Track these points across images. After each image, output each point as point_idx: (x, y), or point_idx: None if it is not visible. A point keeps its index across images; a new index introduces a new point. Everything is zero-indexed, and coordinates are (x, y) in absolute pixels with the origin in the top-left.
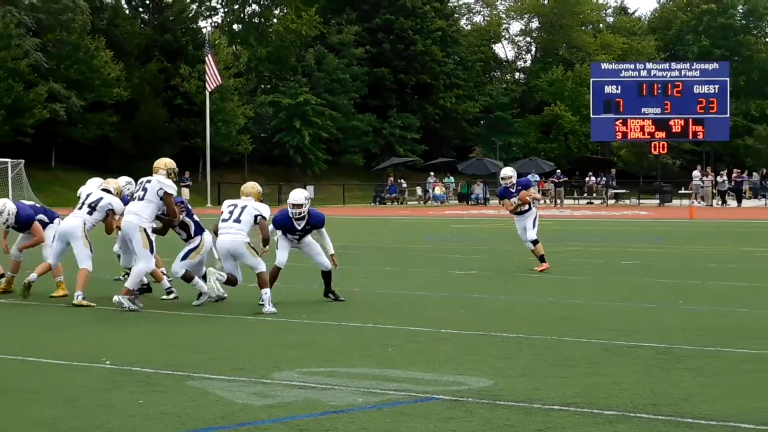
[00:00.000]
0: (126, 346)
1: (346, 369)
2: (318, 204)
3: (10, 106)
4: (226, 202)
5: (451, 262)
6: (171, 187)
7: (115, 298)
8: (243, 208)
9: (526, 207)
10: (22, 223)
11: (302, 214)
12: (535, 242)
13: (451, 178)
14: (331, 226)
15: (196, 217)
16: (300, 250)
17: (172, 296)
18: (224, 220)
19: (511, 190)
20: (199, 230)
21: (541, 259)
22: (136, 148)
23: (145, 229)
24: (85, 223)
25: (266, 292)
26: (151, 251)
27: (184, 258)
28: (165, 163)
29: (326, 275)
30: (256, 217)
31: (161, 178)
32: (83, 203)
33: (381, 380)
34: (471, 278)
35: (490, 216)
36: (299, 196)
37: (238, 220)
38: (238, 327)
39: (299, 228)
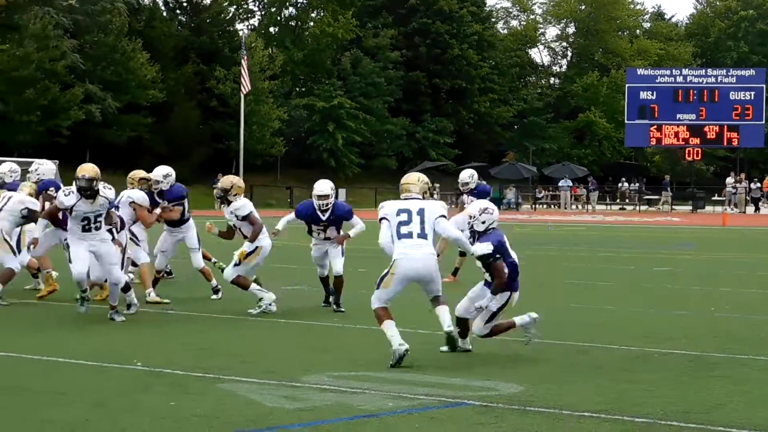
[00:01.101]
0: (156, 349)
1: (377, 373)
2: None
3: (46, 107)
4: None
5: None
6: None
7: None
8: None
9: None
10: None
11: (328, 206)
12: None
13: None
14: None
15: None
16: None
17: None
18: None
19: (466, 196)
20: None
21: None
22: (169, 150)
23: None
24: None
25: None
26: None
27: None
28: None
29: (337, 281)
30: None
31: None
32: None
33: (411, 385)
34: None
35: (522, 221)
36: (324, 186)
37: None
38: (269, 330)
39: (324, 219)
